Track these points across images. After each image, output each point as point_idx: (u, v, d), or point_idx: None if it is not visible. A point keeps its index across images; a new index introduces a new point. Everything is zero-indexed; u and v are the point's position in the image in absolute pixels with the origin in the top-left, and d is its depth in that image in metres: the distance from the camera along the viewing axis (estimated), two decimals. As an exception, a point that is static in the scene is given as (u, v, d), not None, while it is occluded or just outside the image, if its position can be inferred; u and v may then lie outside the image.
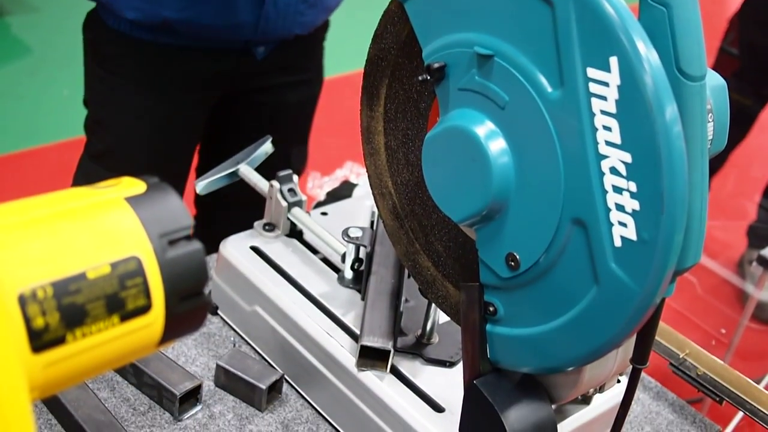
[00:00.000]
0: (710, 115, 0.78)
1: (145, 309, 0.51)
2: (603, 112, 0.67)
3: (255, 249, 1.23)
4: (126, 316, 0.50)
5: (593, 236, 0.70)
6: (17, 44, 4.20)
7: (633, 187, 0.67)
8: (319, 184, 3.11)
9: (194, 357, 1.17)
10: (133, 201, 0.52)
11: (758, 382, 1.21)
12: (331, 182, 3.09)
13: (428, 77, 0.81)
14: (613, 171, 0.68)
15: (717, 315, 2.80)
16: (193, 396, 1.09)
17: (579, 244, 0.71)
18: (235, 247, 1.23)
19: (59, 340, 0.47)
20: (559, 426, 0.85)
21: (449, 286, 0.92)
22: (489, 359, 0.83)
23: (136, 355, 0.53)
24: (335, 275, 1.20)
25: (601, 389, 0.93)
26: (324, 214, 1.33)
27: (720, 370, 1.19)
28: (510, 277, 0.78)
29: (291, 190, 1.24)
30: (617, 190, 0.68)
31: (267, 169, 1.28)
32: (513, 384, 0.83)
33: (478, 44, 0.76)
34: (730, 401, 1.17)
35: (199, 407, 1.09)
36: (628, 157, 0.66)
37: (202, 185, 1.26)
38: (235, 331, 1.23)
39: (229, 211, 1.57)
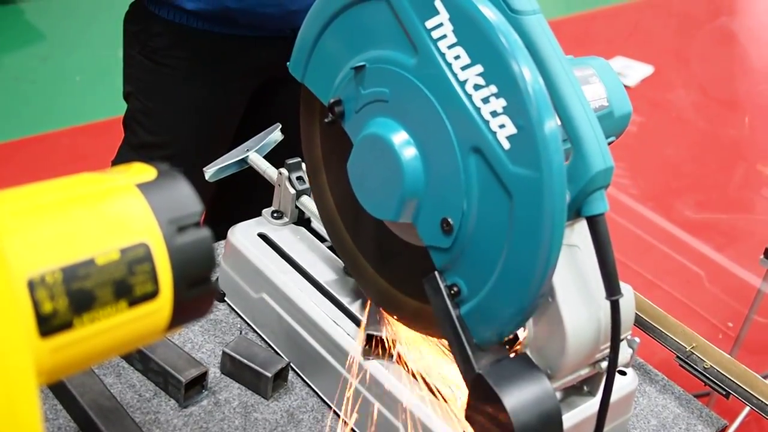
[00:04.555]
0: (595, 77, 0.96)
1: (152, 295, 0.51)
2: (449, 47, 0.79)
3: (263, 236, 1.23)
4: (134, 302, 0.50)
5: (488, 152, 0.78)
6: (30, 30, 4.20)
7: (494, 89, 0.77)
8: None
9: (201, 344, 1.17)
10: (143, 187, 0.52)
11: (765, 377, 1.21)
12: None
13: (331, 116, 0.94)
14: (477, 87, 0.78)
15: (724, 308, 2.79)
16: (198, 383, 1.09)
17: (483, 170, 0.79)
18: (243, 235, 1.23)
19: (67, 325, 0.47)
20: (565, 417, 0.85)
21: (398, 293, 0.99)
22: (478, 344, 0.84)
23: (143, 340, 0.53)
24: (342, 263, 1.20)
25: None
26: (332, 202, 1.33)
27: (727, 364, 1.19)
28: (452, 244, 0.84)
29: (299, 177, 1.24)
30: (485, 100, 0.77)
31: (290, 155, 1.28)
32: (517, 374, 0.83)
33: (352, 65, 0.90)
34: (737, 395, 1.16)
35: (204, 394, 1.10)
36: (480, 68, 0.77)
37: (211, 172, 1.26)
38: (241, 318, 1.23)
39: (239, 198, 1.57)
